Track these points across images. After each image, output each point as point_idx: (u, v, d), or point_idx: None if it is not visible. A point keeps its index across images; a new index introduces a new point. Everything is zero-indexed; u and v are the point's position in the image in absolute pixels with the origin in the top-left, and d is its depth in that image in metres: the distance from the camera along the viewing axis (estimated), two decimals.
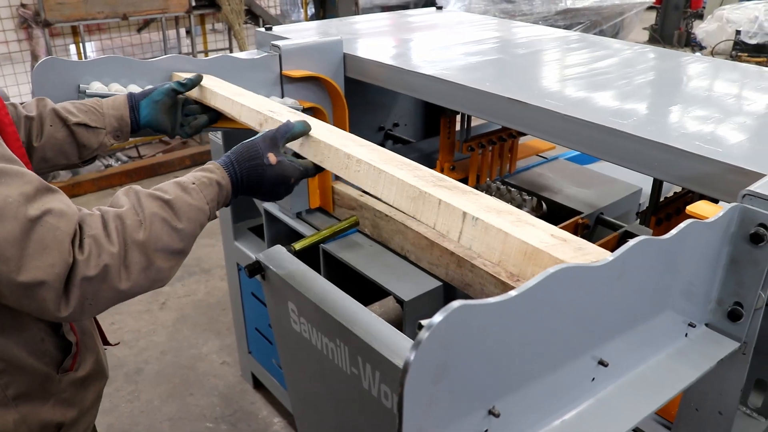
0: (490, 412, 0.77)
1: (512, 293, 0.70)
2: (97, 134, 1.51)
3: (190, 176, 1.21)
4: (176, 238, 1.10)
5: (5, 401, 1.16)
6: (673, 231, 0.94)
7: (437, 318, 0.63)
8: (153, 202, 1.10)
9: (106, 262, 1.00)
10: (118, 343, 1.36)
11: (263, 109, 1.58)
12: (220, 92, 1.68)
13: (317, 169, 1.41)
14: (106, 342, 1.54)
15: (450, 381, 0.70)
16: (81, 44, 5.25)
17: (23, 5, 4.97)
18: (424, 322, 0.65)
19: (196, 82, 1.66)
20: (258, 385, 3.01)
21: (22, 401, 1.19)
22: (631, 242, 0.86)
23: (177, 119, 1.67)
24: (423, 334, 0.63)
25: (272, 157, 1.30)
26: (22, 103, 1.46)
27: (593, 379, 0.93)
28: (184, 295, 3.79)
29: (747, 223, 1.05)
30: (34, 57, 5.06)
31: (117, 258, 1.02)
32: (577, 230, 2.09)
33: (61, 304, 0.98)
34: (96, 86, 1.71)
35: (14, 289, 0.95)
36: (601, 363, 0.92)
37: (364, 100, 2.70)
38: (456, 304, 0.65)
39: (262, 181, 1.29)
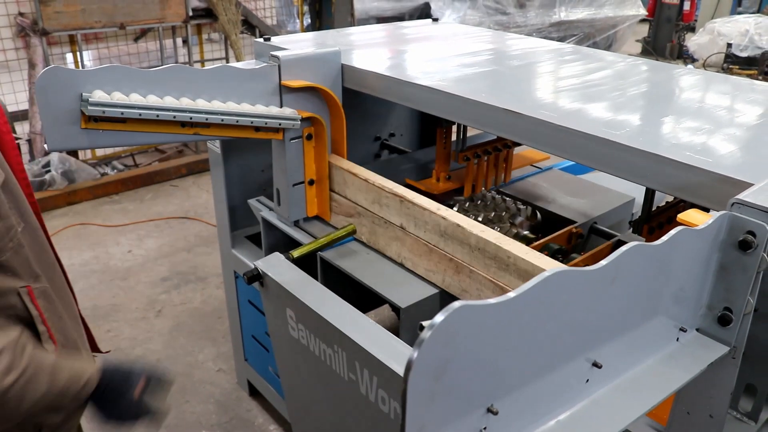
0: (489, 410, 0.79)
1: (511, 294, 0.73)
2: None
3: (70, 361, 1.29)
4: (27, 400, 1.16)
5: None
6: (664, 237, 0.97)
7: (439, 318, 0.66)
8: (35, 357, 1.18)
9: None
10: (110, 350, 1.40)
11: None
12: None
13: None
14: (96, 349, 1.55)
15: (450, 379, 0.73)
16: (78, 53, 5.28)
17: (21, 14, 5.00)
18: (425, 322, 0.68)
19: None
20: (254, 392, 3.02)
21: None
22: (624, 247, 0.89)
23: None
24: (425, 333, 0.66)
25: (137, 390, 1.37)
26: None
27: (587, 380, 0.95)
28: (180, 303, 3.80)
29: (736, 231, 1.08)
30: (32, 65, 5.08)
31: None
32: (570, 239, 2.13)
33: None
34: (98, 95, 1.74)
35: None
36: (595, 365, 0.95)
37: (361, 110, 2.73)
38: (457, 304, 0.67)
39: (116, 405, 1.36)
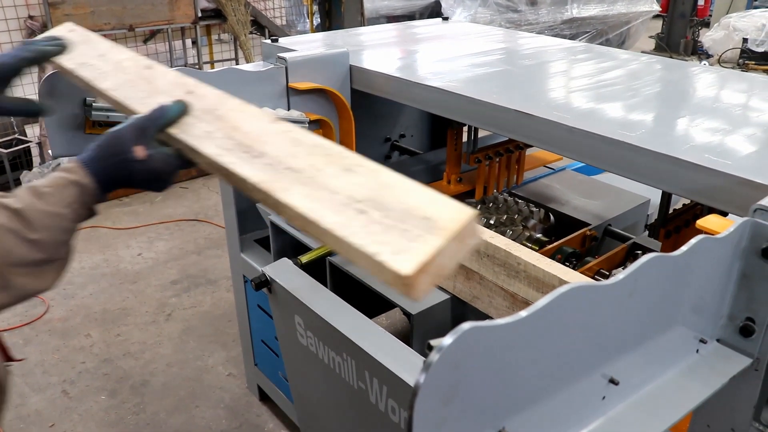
0: None
1: (522, 314, 0.69)
2: None
3: (50, 178, 1.08)
4: (33, 249, 1.01)
5: None
6: (684, 247, 0.93)
7: (447, 340, 0.63)
8: (2, 212, 0.99)
9: None
10: (24, 359, 1.26)
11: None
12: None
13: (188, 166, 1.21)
14: (8, 358, 1.45)
15: (460, 402, 0.69)
16: None
17: (31, 17, 5.01)
18: (433, 342, 0.64)
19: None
20: (264, 397, 2.99)
21: None
22: (642, 259, 0.85)
23: None
24: (433, 357, 0.62)
25: (140, 151, 1.12)
26: None
27: (604, 397, 0.92)
28: (190, 306, 3.79)
29: (758, 238, 1.04)
30: (41, 68, 5.08)
31: None
32: (584, 242, 2.08)
33: None
34: None
35: None
36: (612, 381, 0.91)
37: (371, 111, 2.70)
38: (466, 326, 0.64)
39: (132, 177, 1.13)
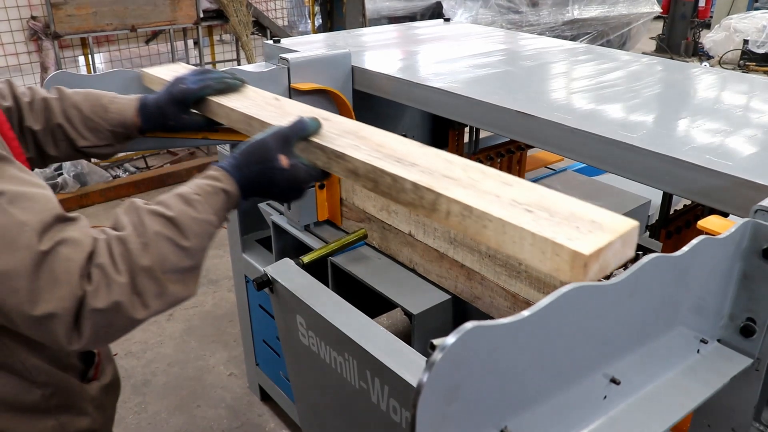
0: (502, 431, 0.76)
1: (525, 313, 0.70)
2: (105, 149, 1.47)
3: (194, 186, 1.11)
4: (185, 256, 1.03)
5: (48, 410, 1.18)
6: (685, 248, 0.93)
7: (450, 339, 0.63)
8: (155, 220, 1.02)
9: (116, 293, 0.94)
10: (116, 354, 1.37)
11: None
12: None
13: (325, 176, 1.29)
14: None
15: (462, 401, 0.69)
16: (90, 56, 5.29)
17: (33, 17, 5.01)
18: (436, 342, 0.65)
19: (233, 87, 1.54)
20: (265, 397, 3.00)
21: (62, 410, 1.21)
22: (643, 260, 0.86)
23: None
24: (436, 356, 0.63)
25: (284, 160, 1.17)
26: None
27: (605, 397, 0.92)
28: (192, 306, 3.79)
29: (759, 239, 1.04)
30: (44, 69, 5.09)
31: (126, 288, 0.95)
32: None
33: (73, 337, 0.93)
34: None
35: (25, 321, 0.92)
36: (613, 381, 0.91)
37: (372, 112, 2.70)
38: (469, 325, 0.64)
39: (272, 186, 1.18)
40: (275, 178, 1.17)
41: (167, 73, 1.71)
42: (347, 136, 1.24)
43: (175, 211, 1.04)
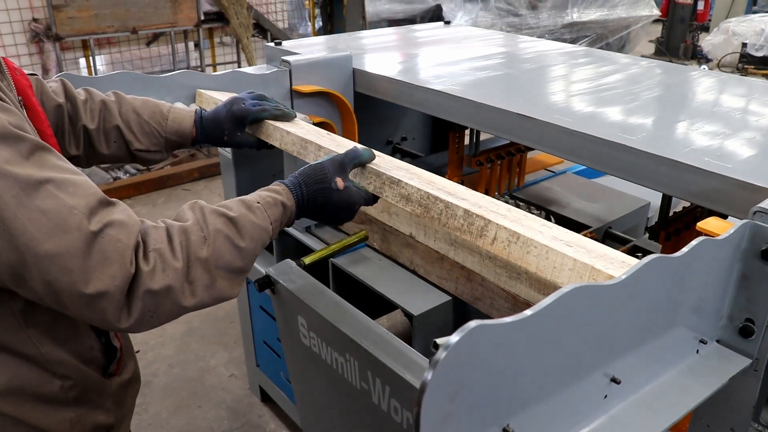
0: (505, 430, 0.77)
1: (527, 312, 0.71)
2: (156, 154, 1.57)
3: (256, 195, 1.21)
4: (238, 256, 1.09)
5: (67, 402, 1.20)
6: (685, 249, 0.94)
7: (454, 338, 0.64)
8: (217, 218, 1.09)
9: (170, 277, 1.00)
10: (138, 350, 1.39)
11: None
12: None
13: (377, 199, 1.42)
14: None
15: (465, 399, 0.70)
16: (91, 58, 5.30)
17: (35, 20, 5.03)
18: (440, 341, 0.66)
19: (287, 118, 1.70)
20: (266, 398, 3.00)
21: (80, 403, 1.22)
22: (644, 260, 0.87)
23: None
24: (440, 354, 0.64)
25: (340, 182, 1.29)
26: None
27: (606, 396, 0.93)
28: None
29: (758, 240, 1.05)
30: (45, 71, 5.11)
31: (181, 274, 1.01)
32: None
33: (122, 316, 0.98)
34: None
35: (77, 300, 0.95)
36: (614, 380, 0.92)
37: (373, 114, 2.71)
38: (473, 324, 0.65)
39: (327, 205, 1.28)
40: (331, 198, 1.28)
41: (221, 95, 1.85)
42: (400, 170, 1.39)
43: (236, 213, 1.12)
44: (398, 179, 1.34)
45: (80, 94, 1.48)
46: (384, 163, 1.42)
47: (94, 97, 1.50)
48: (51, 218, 0.93)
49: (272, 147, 1.73)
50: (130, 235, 0.99)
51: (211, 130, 1.61)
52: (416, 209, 1.32)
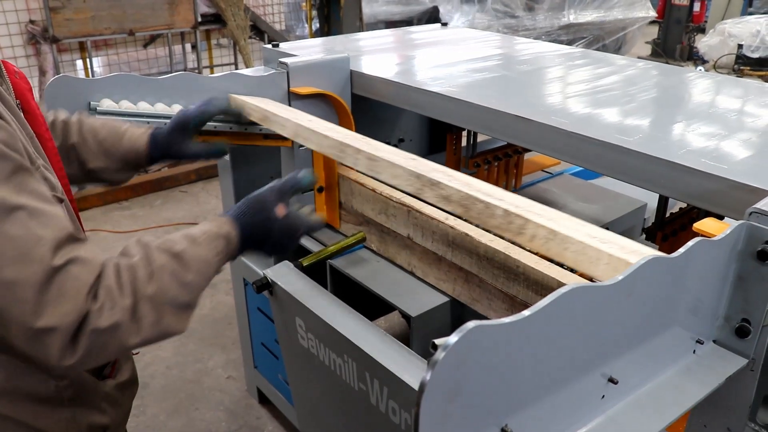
0: (503, 430, 0.78)
1: (526, 313, 0.71)
2: (115, 174, 1.56)
3: (199, 229, 1.20)
4: (184, 291, 1.09)
5: (62, 402, 1.21)
6: (681, 249, 0.95)
7: (453, 339, 0.65)
8: (163, 254, 1.09)
9: (118, 315, 0.99)
10: (138, 352, 1.39)
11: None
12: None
13: (324, 225, 1.43)
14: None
15: (464, 399, 0.71)
16: (88, 59, 5.30)
17: (32, 21, 5.03)
18: (438, 341, 0.66)
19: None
20: (264, 400, 3.00)
21: (75, 403, 1.23)
22: (641, 261, 0.87)
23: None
24: (439, 355, 0.64)
25: (281, 210, 1.30)
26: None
27: (603, 396, 0.93)
28: None
29: (754, 241, 1.06)
30: (42, 72, 5.10)
31: (128, 311, 1.01)
32: None
33: (67, 353, 0.96)
34: (106, 104, 1.73)
35: (24, 332, 0.94)
36: (611, 380, 0.93)
37: (371, 115, 2.72)
38: (471, 324, 0.66)
39: (269, 235, 1.29)
40: (273, 228, 1.29)
41: (255, 100, 1.89)
42: (437, 172, 1.44)
43: (181, 248, 1.12)
44: (438, 181, 1.39)
45: (48, 115, 1.46)
46: (421, 165, 1.47)
47: (59, 116, 1.49)
48: (17, 246, 0.92)
49: (223, 154, 1.75)
50: (90, 274, 0.98)
51: (163, 144, 1.59)
52: (456, 209, 1.37)
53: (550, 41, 3.37)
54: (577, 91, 1.94)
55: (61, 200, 1.12)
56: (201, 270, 1.13)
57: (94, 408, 1.27)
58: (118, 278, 1.02)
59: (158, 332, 1.06)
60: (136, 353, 1.43)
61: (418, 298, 1.85)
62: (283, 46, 2.42)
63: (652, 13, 9.89)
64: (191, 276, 1.10)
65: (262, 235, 1.28)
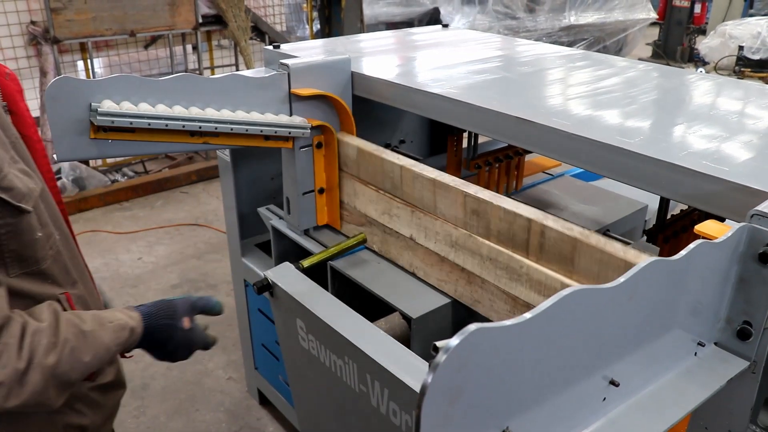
0: None
1: (527, 315, 0.71)
2: None
3: (110, 314, 1.24)
4: (77, 369, 1.12)
5: None
6: (683, 252, 0.95)
7: (454, 341, 0.64)
8: (70, 328, 1.12)
9: (5, 375, 1.01)
10: (132, 355, 1.40)
11: None
12: None
13: (216, 342, 1.49)
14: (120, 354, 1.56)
15: (465, 401, 0.71)
16: (89, 60, 5.30)
17: (33, 22, 5.03)
18: (440, 344, 0.66)
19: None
20: (264, 401, 3.00)
21: None
22: (642, 263, 0.87)
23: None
24: (440, 357, 0.64)
25: (187, 322, 1.37)
26: None
27: (604, 398, 0.93)
28: None
29: (756, 243, 1.06)
30: (43, 73, 5.11)
31: (18, 374, 1.02)
32: None
33: None
34: (107, 105, 1.73)
35: None
36: (612, 383, 0.93)
37: (372, 117, 2.72)
38: (472, 327, 0.66)
39: (169, 341, 1.34)
40: (174, 335, 1.35)
41: None
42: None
43: (89, 327, 1.15)
44: (476, 195, 1.63)
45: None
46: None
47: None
48: None
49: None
50: None
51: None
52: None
53: (550, 43, 3.37)
54: (578, 92, 1.94)
55: (27, 211, 1.12)
56: (98, 354, 1.16)
57: (72, 409, 1.28)
58: (21, 339, 1.04)
59: (36, 402, 1.07)
60: (130, 356, 1.43)
61: (419, 300, 1.85)
62: (284, 48, 2.42)
63: (653, 15, 9.90)
64: (88, 357, 1.13)
65: (163, 339, 1.34)
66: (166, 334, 1.33)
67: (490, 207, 1.63)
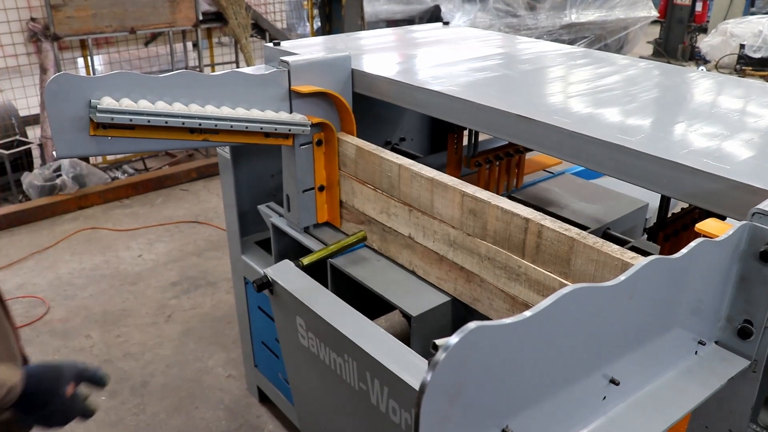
0: (504, 431, 0.77)
1: (527, 314, 0.71)
2: None
3: (3, 366, 1.23)
4: None
5: None
6: (684, 250, 0.94)
7: (453, 339, 0.64)
8: None
9: None
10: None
11: None
12: None
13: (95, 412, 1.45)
14: (25, 360, 1.56)
15: (464, 400, 0.70)
16: (89, 57, 5.30)
17: (33, 19, 5.02)
18: (439, 342, 0.66)
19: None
20: (264, 398, 3.00)
21: None
22: (642, 262, 0.87)
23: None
24: (439, 356, 0.64)
25: (70, 389, 1.35)
26: None
27: (604, 397, 0.93)
28: (190, 308, 3.80)
29: (757, 242, 1.05)
30: (43, 70, 5.10)
31: None
32: None
33: None
34: (107, 101, 1.73)
35: None
36: (613, 381, 0.92)
37: (372, 114, 2.71)
38: (472, 325, 0.65)
39: (47, 406, 1.32)
40: (53, 401, 1.32)
41: None
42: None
43: None
44: (475, 196, 1.64)
45: None
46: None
47: None
48: None
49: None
50: None
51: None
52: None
53: (551, 40, 3.36)
54: (579, 90, 1.94)
55: None
56: None
57: None
58: None
59: None
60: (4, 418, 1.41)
61: (419, 298, 1.85)
62: (285, 45, 2.42)
63: (654, 13, 9.89)
64: None
65: (41, 403, 1.31)
66: (45, 399, 1.31)
67: (487, 207, 1.63)
